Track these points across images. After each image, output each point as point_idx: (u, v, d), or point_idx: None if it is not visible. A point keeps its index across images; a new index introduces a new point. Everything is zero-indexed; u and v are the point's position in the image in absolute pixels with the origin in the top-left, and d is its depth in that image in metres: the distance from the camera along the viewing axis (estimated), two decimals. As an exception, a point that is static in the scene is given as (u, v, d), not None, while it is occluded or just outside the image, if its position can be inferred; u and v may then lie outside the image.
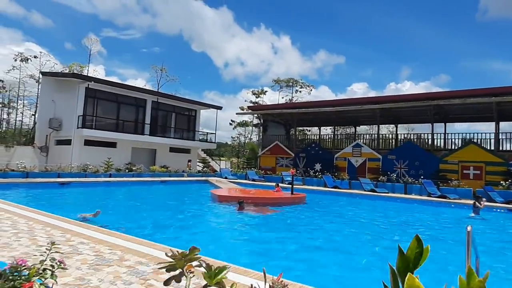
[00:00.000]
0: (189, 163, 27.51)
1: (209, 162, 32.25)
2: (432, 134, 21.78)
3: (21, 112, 34.38)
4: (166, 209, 11.62)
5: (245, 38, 74.34)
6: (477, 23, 64.47)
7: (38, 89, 31.60)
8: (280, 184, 16.09)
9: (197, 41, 72.83)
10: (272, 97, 53.82)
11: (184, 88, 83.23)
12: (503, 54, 64.64)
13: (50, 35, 58.18)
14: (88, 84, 22.13)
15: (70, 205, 11.32)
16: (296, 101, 44.70)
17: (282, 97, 51.25)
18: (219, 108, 30.75)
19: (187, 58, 72.37)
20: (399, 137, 26.58)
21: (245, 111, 43.67)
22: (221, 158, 34.19)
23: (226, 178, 23.52)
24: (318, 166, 25.54)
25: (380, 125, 28.80)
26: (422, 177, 18.66)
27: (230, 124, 52.20)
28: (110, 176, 18.60)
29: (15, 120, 34.70)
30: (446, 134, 23.55)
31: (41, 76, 28.03)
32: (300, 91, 51.26)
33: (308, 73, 78.09)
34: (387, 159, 22.53)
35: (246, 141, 46.84)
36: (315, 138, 32.74)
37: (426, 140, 23.68)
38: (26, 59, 31.83)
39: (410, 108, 22.19)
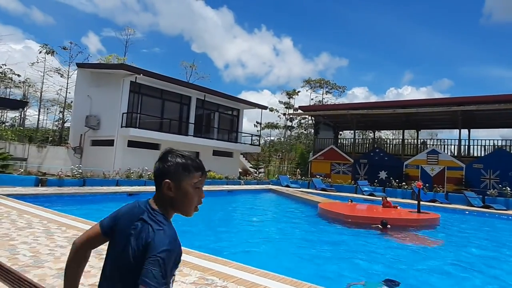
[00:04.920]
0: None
1: (262, 167, 29.53)
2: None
3: (47, 109, 31.59)
4: (307, 240, 8.39)
5: (246, 39, 72.72)
6: (481, 28, 62.83)
7: (67, 83, 28.87)
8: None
9: (197, 42, 70.65)
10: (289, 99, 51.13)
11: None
12: (506, 60, 62.78)
13: (50, 33, 56.03)
14: (136, 78, 19.42)
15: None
16: (361, 102, 41.85)
17: (312, 98, 48.76)
18: (265, 107, 28.10)
19: (188, 59, 69.98)
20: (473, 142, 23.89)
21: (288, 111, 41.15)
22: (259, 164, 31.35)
23: (287, 186, 20.80)
24: (383, 174, 22.88)
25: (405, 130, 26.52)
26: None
27: (255, 125, 49.68)
28: (169, 183, 15.87)
29: (38, 118, 31.88)
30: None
31: (66, 70, 25.33)
32: (330, 92, 48.83)
33: (310, 75, 76.48)
34: (472, 168, 19.87)
35: (295, 144, 43.88)
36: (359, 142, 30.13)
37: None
38: (51, 51, 29.05)
39: (502, 111, 19.53)
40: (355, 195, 18.75)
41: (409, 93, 66.71)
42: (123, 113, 19.55)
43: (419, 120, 25.20)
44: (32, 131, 31.40)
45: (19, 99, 33.94)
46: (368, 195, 18.47)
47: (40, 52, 29.26)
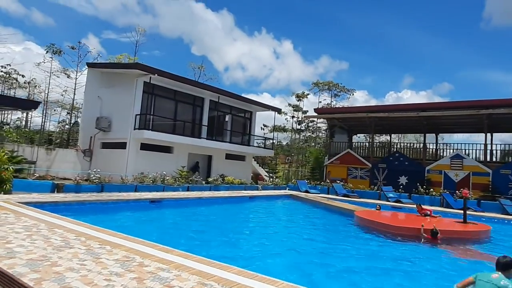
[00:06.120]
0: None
1: (277, 172, 28.72)
2: None
3: (54, 110, 30.71)
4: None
5: (246, 42, 72.46)
6: (481, 32, 62.74)
7: (75, 84, 28.03)
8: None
9: (197, 45, 70.09)
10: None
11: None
12: (507, 64, 62.52)
13: (50, 35, 55.55)
14: (150, 78, 18.63)
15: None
16: (379, 105, 41.13)
17: (320, 101, 48.06)
18: (278, 110, 27.33)
19: (189, 61, 69.39)
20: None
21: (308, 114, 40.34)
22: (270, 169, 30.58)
23: (306, 191, 19.99)
24: (403, 179, 22.11)
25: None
26: None
27: (262, 129, 48.97)
28: (188, 189, 15.06)
29: (43, 120, 30.99)
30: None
31: (74, 70, 24.41)
32: (339, 95, 48.15)
33: (311, 79, 76.58)
34: (499, 173, 19.12)
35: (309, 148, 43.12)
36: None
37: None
38: (59, 51, 28.25)
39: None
40: (379, 201, 17.95)
41: (408, 96, 66.62)
42: (136, 115, 18.77)
43: (440, 124, 24.42)
44: (34, 133, 30.54)
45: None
46: (394, 201, 17.67)
47: (47, 52, 28.47)
